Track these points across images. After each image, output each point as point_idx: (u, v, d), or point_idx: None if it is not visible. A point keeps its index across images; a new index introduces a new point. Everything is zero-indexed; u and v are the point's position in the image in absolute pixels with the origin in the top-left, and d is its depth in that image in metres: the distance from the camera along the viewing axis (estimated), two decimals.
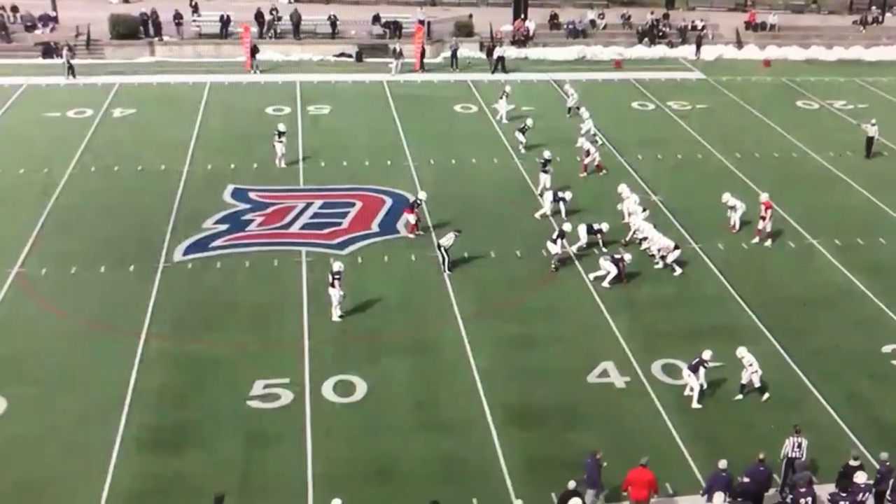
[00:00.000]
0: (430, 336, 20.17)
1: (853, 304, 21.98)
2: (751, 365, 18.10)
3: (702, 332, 20.35)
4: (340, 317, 20.49)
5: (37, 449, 16.33)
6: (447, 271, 22.52)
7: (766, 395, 18.24)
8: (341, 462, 16.24)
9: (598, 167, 28.79)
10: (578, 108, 32.47)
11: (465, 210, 25.77)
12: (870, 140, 30.85)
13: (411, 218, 24.43)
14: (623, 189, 25.72)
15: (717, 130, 33.33)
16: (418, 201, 24.73)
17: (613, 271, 22.09)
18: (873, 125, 31.03)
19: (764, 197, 24.76)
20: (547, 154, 27.43)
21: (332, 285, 20.30)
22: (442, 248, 22.52)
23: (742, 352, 18.34)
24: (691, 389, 18.11)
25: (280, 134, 28.65)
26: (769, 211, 24.34)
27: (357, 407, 17.72)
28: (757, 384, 18.22)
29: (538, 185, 26.99)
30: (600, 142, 30.58)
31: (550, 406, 17.92)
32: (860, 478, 14.60)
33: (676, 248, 23.02)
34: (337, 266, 20.47)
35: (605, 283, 22.10)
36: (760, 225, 24.49)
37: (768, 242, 24.47)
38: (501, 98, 33.67)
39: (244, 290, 21.73)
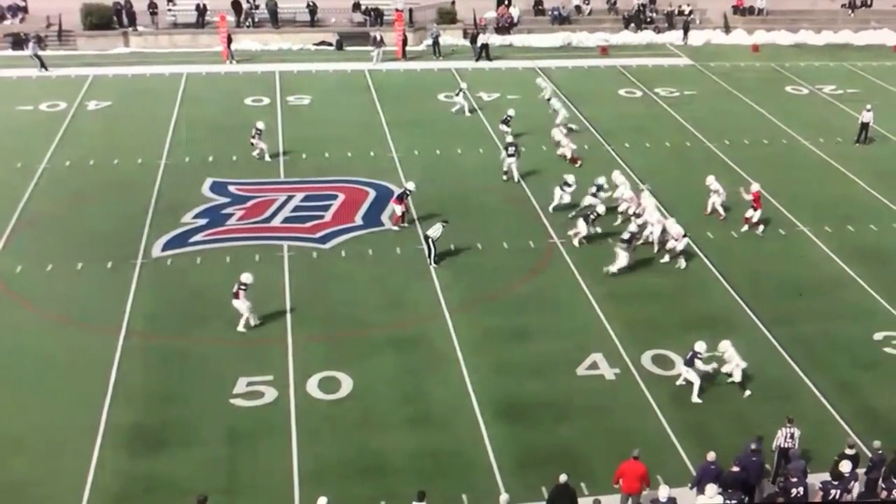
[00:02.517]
0: (416, 330, 19.82)
1: (844, 292, 21.80)
2: (731, 360, 17.84)
3: (692, 322, 20.10)
4: (249, 328, 19.42)
5: (16, 449, 15.97)
6: (433, 264, 22.14)
7: (748, 393, 17.90)
8: (327, 459, 15.95)
9: (573, 160, 28.29)
10: (549, 100, 31.95)
11: (451, 201, 25.40)
12: (864, 126, 30.67)
13: (398, 209, 24.03)
14: (616, 176, 25.35)
15: (705, 117, 33.09)
16: (407, 192, 24.33)
17: (625, 256, 21.84)
18: (868, 111, 30.85)
19: (755, 187, 24.48)
20: (510, 139, 27.33)
21: (237, 296, 19.29)
22: (429, 240, 22.13)
23: (724, 346, 18.04)
24: (688, 383, 17.78)
25: (259, 133, 28.06)
26: (758, 202, 24.09)
27: (343, 403, 17.39)
28: (738, 379, 17.93)
29: (506, 169, 26.70)
30: (574, 130, 30.24)
31: (540, 399, 17.65)
32: (845, 467, 14.49)
33: (685, 235, 22.57)
34: (245, 277, 19.45)
35: (614, 269, 21.86)
36: (749, 213, 24.20)
37: (760, 229, 24.21)
38: (458, 95, 32.84)
39: (225, 285, 21.13)
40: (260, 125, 28.40)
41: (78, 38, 40.45)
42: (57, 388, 17.63)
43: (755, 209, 24.10)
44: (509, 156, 26.75)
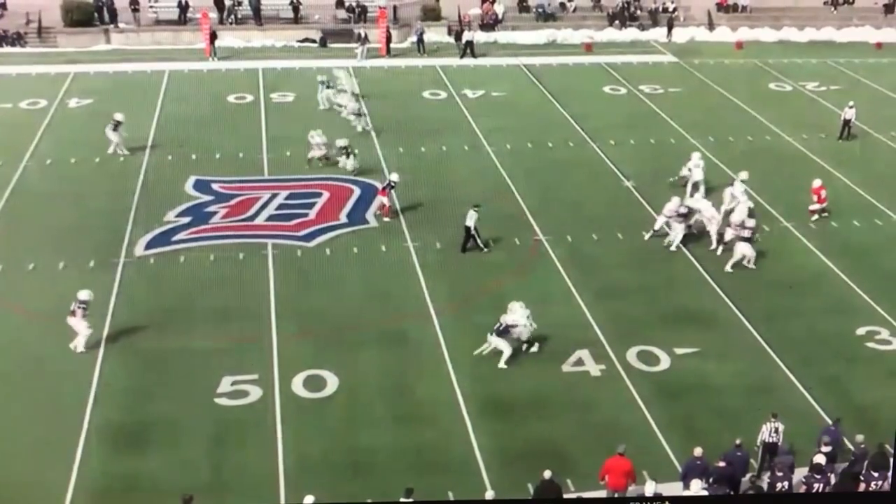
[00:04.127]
0: (402, 328, 19.75)
1: (827, 287, 21.91)
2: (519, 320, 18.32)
3: (677, 318, 20.17)
4: (79, 352, 18.38)
5: None
6: (484, 248, 22.48)
7: (534, 349, 18.63)
8: (313, 458, 15.87)
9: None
10: (341, 92, 31.71)
11: (437, 198, 25.28)
12: (846, 122, 30.85)
13: (385, 200, 24.06)
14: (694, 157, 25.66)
15: (690, 114, 33.11)
16: (392, 183, 24.30)
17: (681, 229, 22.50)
18: (851, 108, 31.04)
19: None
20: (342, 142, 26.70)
21: (73, 314, 18.29)
22: (471, 229, 22.27)
23: (514, 306, 18.47)
24: (497, 350, 18.32)
25: (117, 124, 27.80)
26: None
27: (328, 401, 17.31)
28: (524, 337, 18.52)
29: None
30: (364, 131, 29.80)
31: (525, 396, 17.63)
32: (820, 458, 14.62)
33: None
34: (84, 295, 18.43)
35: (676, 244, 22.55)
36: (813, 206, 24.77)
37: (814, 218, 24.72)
38: (322, 90, 32.26)
39: (209, 284, 21.11)
40: (118, 116, 27.93)
41: (58, 36, 39.94)
42: (39, 388, 17.43)
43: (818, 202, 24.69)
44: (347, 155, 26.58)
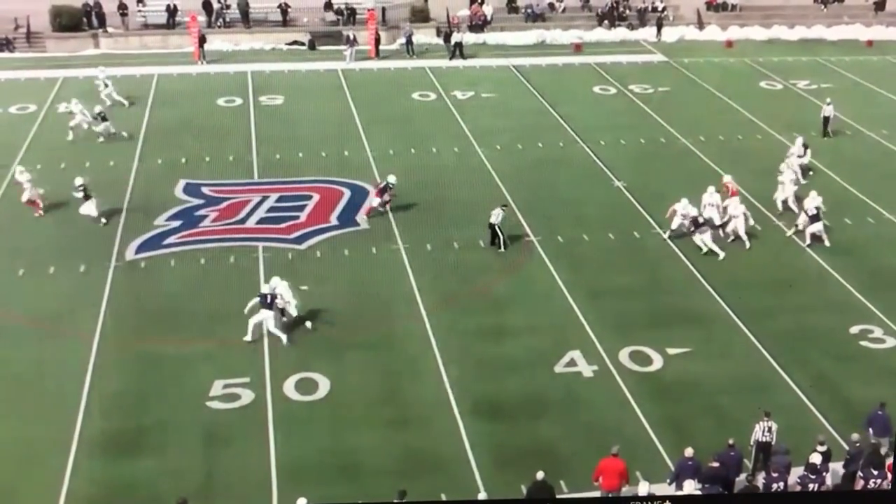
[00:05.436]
0: (393, 329, 19.70)
1: (820, 286, 21.92)
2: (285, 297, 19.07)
3: (669, 318, 20.17)
4: None
5: None
6: (502, 248, 22.43)
7: (309, 324, 19.30)
8: (306, 461, 15.82)
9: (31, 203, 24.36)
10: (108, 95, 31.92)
11: (427, 200, 25.29)
12: (826, 119, 30.96)
13: (375, 201, 24.19)
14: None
15: (680, 113, 33.13)
16: (389, 185, 24.30)
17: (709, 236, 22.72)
18: (828, 104, 31.16)
19: (727, 178, 24.83)
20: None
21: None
22: (496, 227, 22.38)
23: (275, 281, 19.21)
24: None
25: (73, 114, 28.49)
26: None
27: (320, 404, 17.25)
28: (294, 314, 19.18)
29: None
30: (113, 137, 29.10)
31: (517, 397, 17.59)
32: (815, 458, 14.63)
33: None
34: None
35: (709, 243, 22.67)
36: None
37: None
38: (102, 89, 32.08)
39: (200, 288, 21.04)
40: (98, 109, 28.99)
41: (47, 40, 39.76)
42: (31, 394, 17.34)
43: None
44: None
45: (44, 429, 16.40)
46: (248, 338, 18.90)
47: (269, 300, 18.92)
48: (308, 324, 19.41)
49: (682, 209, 23.18)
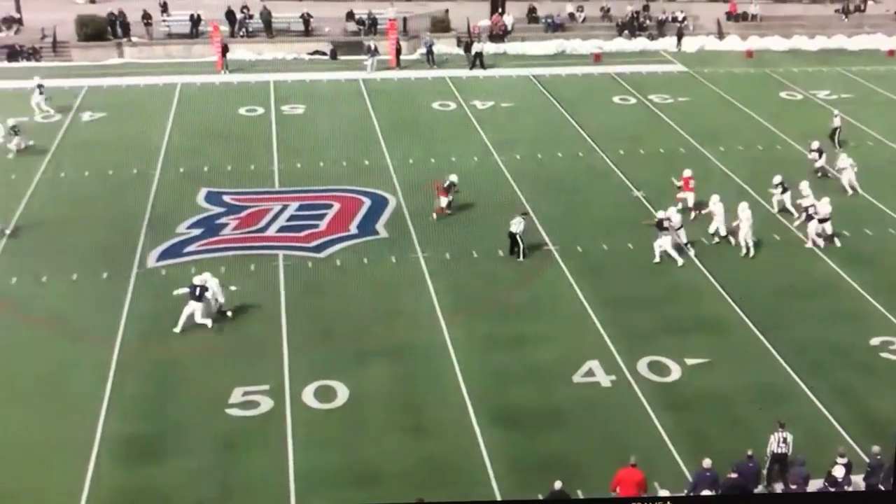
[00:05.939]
0: (412, 338, 19.76)
1: (840, 297, 21.77)
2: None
3: (687, 328, 20.12)
4: None
5: (11, 461, 15.87)
6: (520, 258, 22.49)
7: (229, 314, 19.95)
8: (324, 469, 15.86)
9: None
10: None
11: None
12: (834, 130, 30.91)
13: (444, 200, 24.55)
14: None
15: (699, 124, 33.07)
16: (453, 184, 24.81)
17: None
18: (836, 116, 31.25)
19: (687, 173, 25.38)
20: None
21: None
22: (516, 236, 22.46)
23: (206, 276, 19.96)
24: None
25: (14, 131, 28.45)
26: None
27: (339, 412, 17.32)
28: (222, 300, 19.98)
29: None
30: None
31: (536, 407, 17.58)
32: (838, 472, 14.58)
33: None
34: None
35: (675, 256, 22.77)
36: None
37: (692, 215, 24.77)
38: (37, 95, 32.22)
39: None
40: (11, 122, 28.75)
41: (72, 50, 40.40)
42: (52, 399, 17.52)
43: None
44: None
45: (65, 434, 16.57)
46: (178, 329, 19.58)
47: (198, 292, 19.58)
48: (229, 313, 20.19)
49: (667, 214, 23.20)
